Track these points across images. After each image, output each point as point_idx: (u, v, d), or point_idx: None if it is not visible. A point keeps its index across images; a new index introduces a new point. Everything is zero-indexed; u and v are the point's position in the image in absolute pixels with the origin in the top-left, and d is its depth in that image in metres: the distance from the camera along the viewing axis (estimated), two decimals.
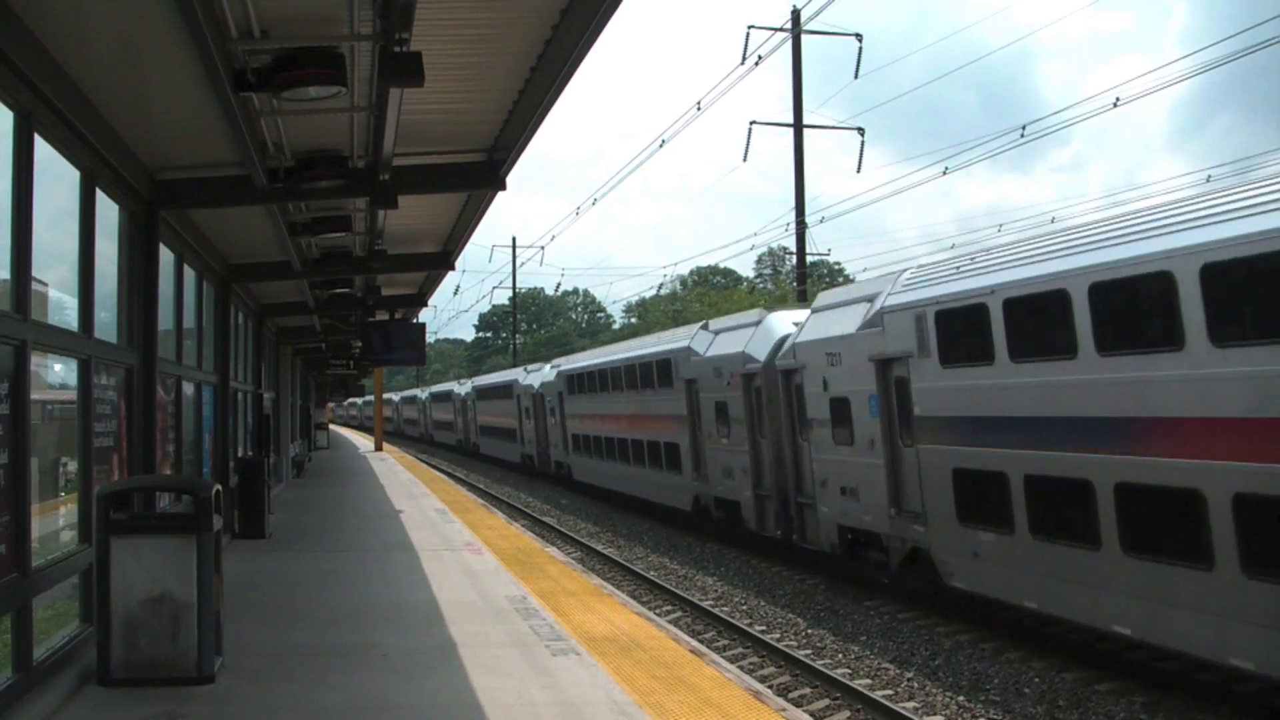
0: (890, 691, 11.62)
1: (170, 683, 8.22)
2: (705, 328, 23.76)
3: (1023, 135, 27.00)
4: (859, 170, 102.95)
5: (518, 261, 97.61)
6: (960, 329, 13.38)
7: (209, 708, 7.81)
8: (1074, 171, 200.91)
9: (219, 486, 8.88)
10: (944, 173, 36.45)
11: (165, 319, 12.14)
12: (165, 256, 12.17)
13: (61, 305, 8.70)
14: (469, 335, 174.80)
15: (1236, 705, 10.53)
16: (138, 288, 10.92)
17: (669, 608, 16.31)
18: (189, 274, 14.23)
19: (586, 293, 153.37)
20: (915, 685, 11.86)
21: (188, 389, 14.22)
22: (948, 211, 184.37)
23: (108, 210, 9.96)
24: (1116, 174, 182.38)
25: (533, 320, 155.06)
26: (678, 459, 24.49)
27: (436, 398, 76.85)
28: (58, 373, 8.70)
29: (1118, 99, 22.11)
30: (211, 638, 8.46)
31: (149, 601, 8.30)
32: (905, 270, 15.43)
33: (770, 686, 11.44)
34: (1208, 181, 29.54)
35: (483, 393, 55.43)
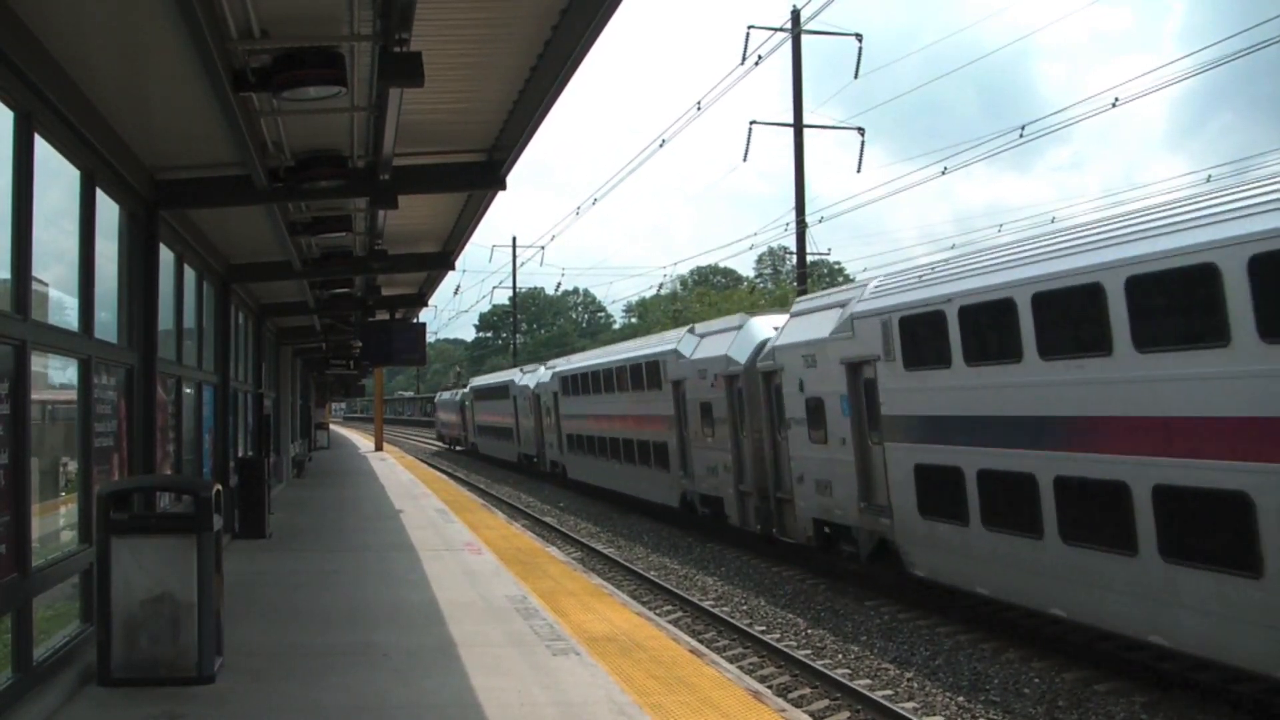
0: (890, 692, 11.62)
1: (170, 683, 8.23)
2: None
3: (1022, 135, 27.02)
4: (859, 170, 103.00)
5: (518, 261, 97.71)
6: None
7: (209, 708, 7.81)
8: (1073, 170, 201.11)
9: (219, 486, 8.88)
10: (943, 172, 36.46)
11: (165, 319, 12.14)
12: (165, 256, 12.17)
13: (61, 305, 8.71)
14: (469, 335, 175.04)
15: (1237, 705, 10.53)
16: (138, 288, 10.92)
17: (669, 608, 16.31)
18: (189, 274, 14.23)
19: (587, 292, 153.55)
20: (915, 685, 11.86)
21: (188, 389, 14.22)
22: (947, 211, 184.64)
23: (108, 210, 9.97)
24: (1116, 173, 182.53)
25: (533, 320, 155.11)
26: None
27: (483, 394, 55.48)
28: (58, 373, 8.70)
29: (1116, 99, 22.12)
30: (212, 638, 8.46)
31: (149, 601, 8.31)
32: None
33: (770, 686, 11.44)
34: (1208, 180, 29.56)
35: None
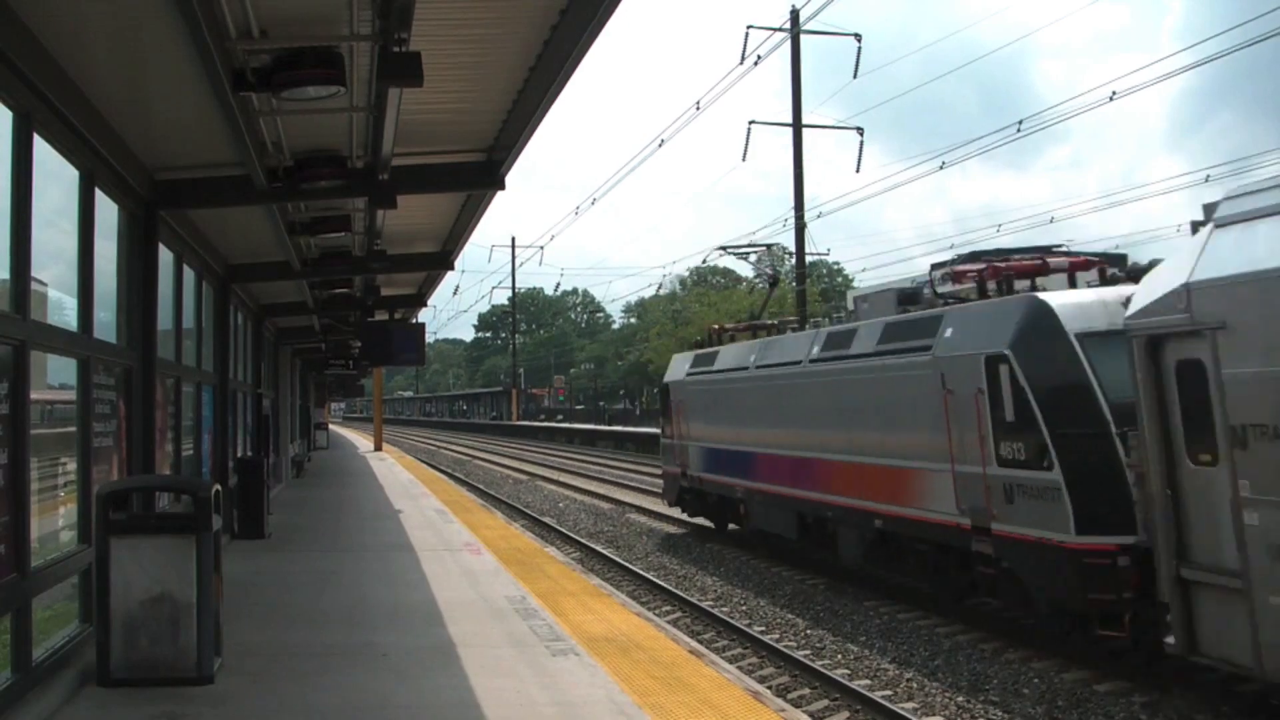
0: (889, 692, 11.61)
1: (170, 683, 8.23)
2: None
3: (1019, 130, 27.08)
4: (858, 170, 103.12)
5: (517, 261, 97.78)
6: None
7: (208, 708, 7.81)
8: (1072, 169, 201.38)
9: (218, 486, 8.88)
10: (941, 167, 36.46)
11: (164, 319, 12.14)
12: (164, 256, 12.16)
13: (61, 305, 8.71)
14: (468, 335, 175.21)
15: (1237, 705, 10.53)
16: (137, 288, 10.91)
17: (668, 608, 16.30)
18: (188, 274, 14.23)
19: (586, 292, 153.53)
20: (915, 685, 11.86)
21: (187, 389, 14.22)
22: (945, 210, 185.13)
23: (107, 210, 9.97)
24: (1114, 172, 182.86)
25: (532, 320, 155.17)
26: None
27: None
28: (57, 372, 8.70)
29: (1114, 93, 22.19)
30: (211, 638, 8.46)
31: (148, 602, 8.31)
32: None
33: (769, 687, 11.43)
34: (1206, 182, 29.52)
35: None
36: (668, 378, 25.73)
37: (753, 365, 20.12)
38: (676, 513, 27.36)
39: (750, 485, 20.28)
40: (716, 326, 24.98)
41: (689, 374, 23.84)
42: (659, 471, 28.33)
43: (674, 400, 24.78)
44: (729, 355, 22.00)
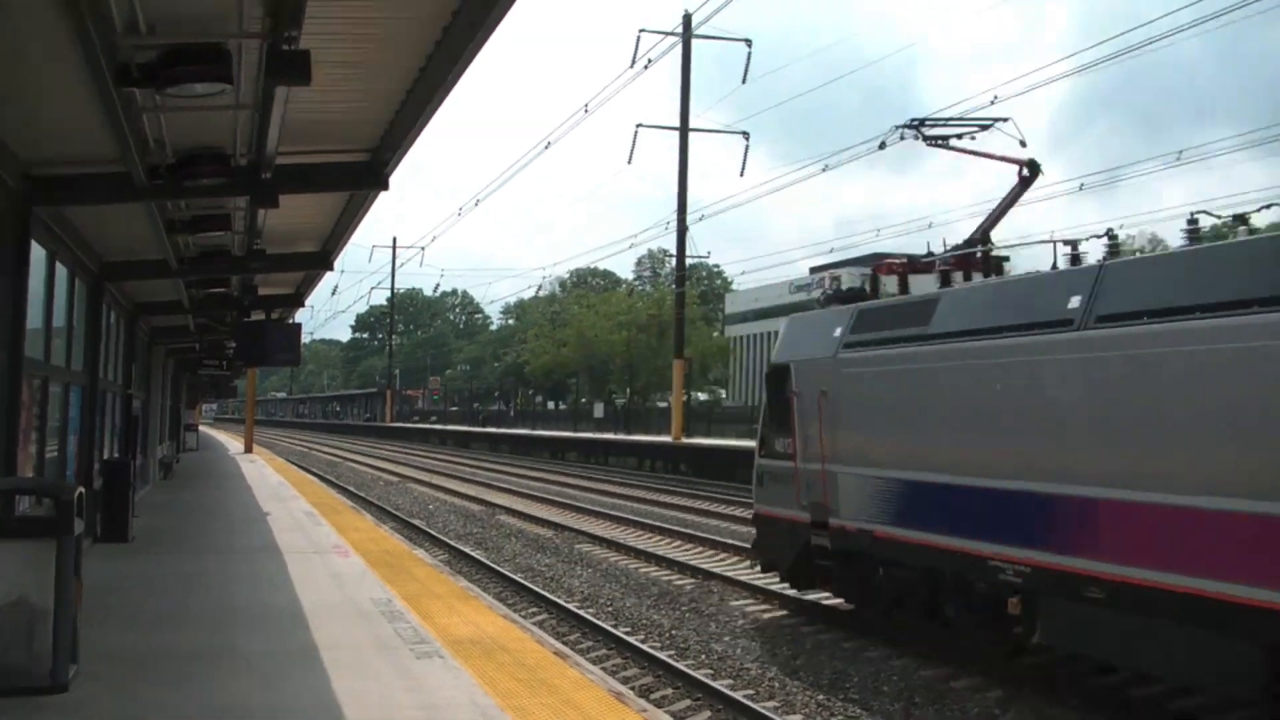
0: (751, 691, 11.90)
1: (21, 693, 7.90)
2: None
3: (901, 137, 28.03)
4: (742, 174, 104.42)
5: (397, 262, 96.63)
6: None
7: (61, 718, 7.64)
8: (951, 176, 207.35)
9: (82, 489, 8.72)
10: (824, 170, 37.15)
11: (34, 317, 11.82)
12: (36, 254, 11.83)
13: None
14: (345, 336, 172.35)
15: (1087, 699, 11.00)
16: (6, 287, 10.60)
17: (535, 610, 16.40)
18: (61, 272, 13.83)
19: (465, 294, 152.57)
20: (776, 684, 12.17)
21: (55, 389, 13.85)
22: (831, 215, 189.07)
23: None
24: (990, 181, 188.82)
25: (410, 321, 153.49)
26: None
27: None
28: None
29: (995, 97, 23.20)
30: (68, 645, 8.20)
31: (4, 608, 8.02)
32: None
33: (633, 688, 11.61)
34: (1080, 190, 30.87)
35: None
36: (784, 355, 15.08)
37: (1085, 318, 10.01)
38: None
39: (1057, 564, 10.19)
40: (898, 262, 14.51)
41: (850, 343, 13.49)
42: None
43: (803, 392, 14.23)
44: (962, 305, 12.12)
